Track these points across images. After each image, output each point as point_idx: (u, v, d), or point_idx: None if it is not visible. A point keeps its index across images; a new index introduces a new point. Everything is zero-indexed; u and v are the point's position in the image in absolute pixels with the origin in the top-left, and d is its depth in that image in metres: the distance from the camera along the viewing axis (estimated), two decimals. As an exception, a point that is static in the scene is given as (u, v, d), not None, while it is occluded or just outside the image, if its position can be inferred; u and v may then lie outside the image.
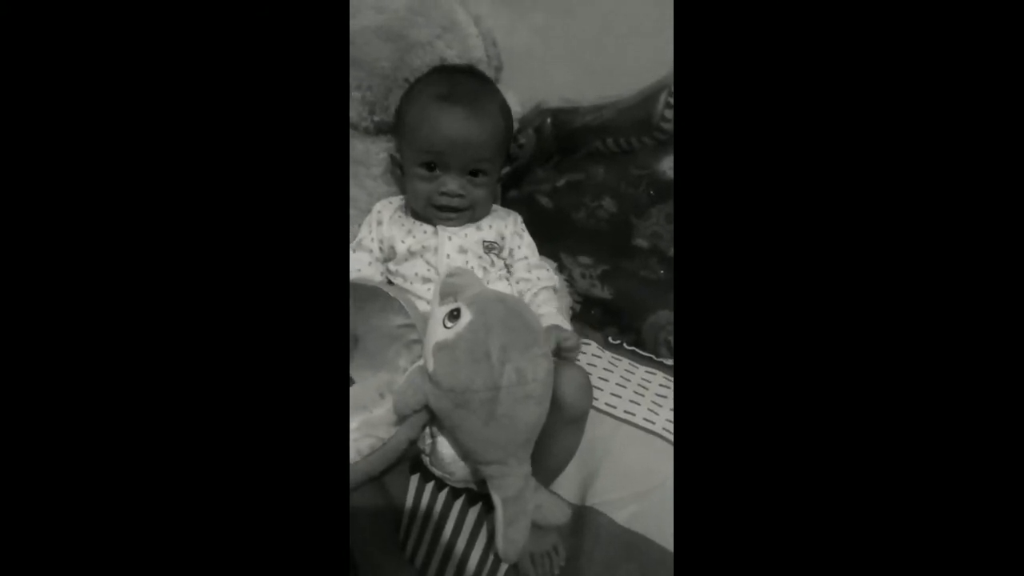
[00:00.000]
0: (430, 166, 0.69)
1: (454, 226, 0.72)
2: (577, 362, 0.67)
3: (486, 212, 0.74)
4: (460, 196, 0.69)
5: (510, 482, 0.54)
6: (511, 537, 0.54)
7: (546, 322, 0.66)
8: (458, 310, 0.54)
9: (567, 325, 0.70)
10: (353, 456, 0.52)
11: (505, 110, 0.74)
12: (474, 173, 0.70)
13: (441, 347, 0.53)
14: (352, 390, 0.55)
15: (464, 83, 0.71)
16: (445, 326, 0.53)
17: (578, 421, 0.62)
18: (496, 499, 0.55)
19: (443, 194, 0.69)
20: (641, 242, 0.81)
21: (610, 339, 0.85)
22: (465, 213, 0.71)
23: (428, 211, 0.71)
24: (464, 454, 0.57)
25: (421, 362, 0.55)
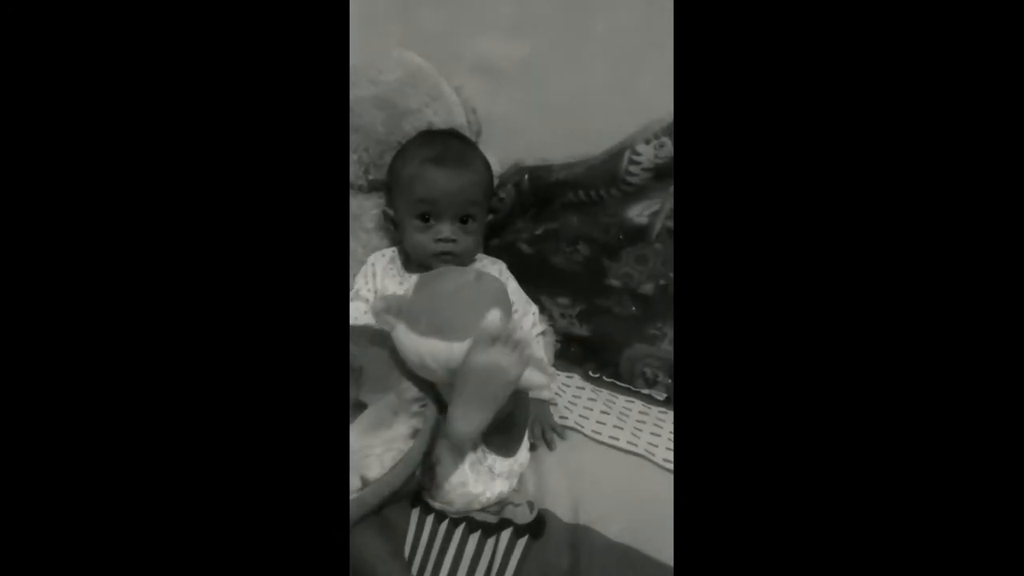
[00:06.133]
0: (424, 217, 0.77)
1: None
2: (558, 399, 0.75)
3: (472, 259, 0.82)
4: (453, 241, 0.77)
5: None
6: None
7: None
8: None
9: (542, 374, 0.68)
10: (380, 471, 0.57)
11: (486, 165, 0.83)
12: (464, 220, 0.78)
13: None
14: (367, 413, 0.60)
15: (451, 145, 0.80)
16: None
17: None
18: None
19: (438, 240, 0.77)
20: (614, 282, 0.88)
21: (591, 373, 0.91)
22: (457, 259, 0.78)
23: (426, 259, 0.78)
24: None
25: None
